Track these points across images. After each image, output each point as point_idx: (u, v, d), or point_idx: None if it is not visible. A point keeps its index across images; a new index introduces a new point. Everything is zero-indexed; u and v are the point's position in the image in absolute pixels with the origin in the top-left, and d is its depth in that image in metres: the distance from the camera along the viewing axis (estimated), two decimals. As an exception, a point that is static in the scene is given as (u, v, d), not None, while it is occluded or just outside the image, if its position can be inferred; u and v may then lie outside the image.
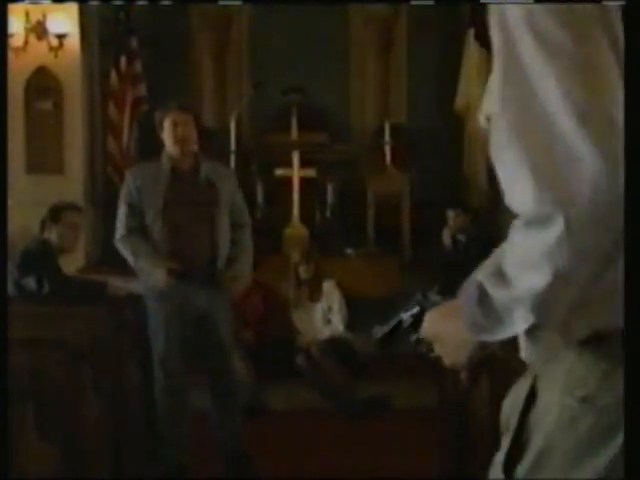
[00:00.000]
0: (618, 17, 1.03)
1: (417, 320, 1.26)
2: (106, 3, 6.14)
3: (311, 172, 6.20)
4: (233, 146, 6.10)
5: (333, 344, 4.88)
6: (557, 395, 1.07)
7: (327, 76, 6.57)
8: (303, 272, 5.16)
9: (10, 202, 3.24)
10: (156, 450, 3.54)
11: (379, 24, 6.65)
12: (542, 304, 1.00)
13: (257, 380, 4.66)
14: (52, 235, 3.79)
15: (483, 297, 1.05)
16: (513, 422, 1.12)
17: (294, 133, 6.17)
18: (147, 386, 3.53)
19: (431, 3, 6.13)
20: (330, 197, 6.37)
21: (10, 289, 3.57)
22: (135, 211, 3.41)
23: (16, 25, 5.80)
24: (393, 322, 1.32)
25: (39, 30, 5.88)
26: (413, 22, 6.69)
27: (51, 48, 5.89)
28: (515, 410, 1.13)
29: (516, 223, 1.03)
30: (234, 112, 6.15)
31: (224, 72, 6.70)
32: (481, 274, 1.09)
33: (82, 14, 6.03)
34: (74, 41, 5.97)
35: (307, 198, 6.20)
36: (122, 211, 3.44)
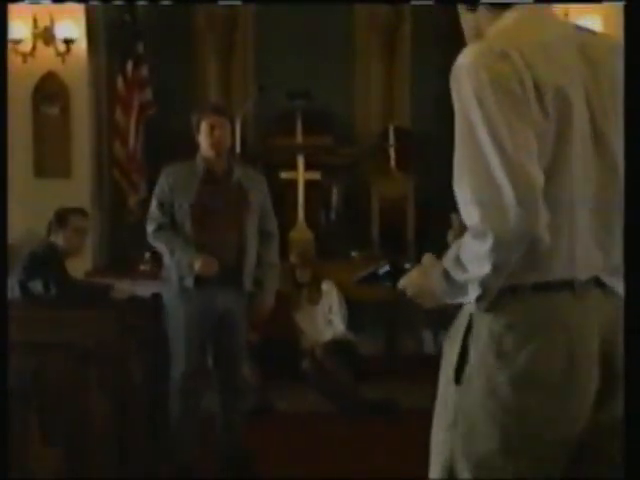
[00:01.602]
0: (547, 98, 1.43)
1: (391, 274, 1.73)
2: (109, 3, 6.15)
3: (316, 175, 6.21)
4: (238, 149, 6.13)
5: (336, 346, 4.91)
6: (487, 324, 1.52)
7: (332, 79, 6.57)
8: (300, 275, 5.18)
9: (17, 206, 3.29)
10: (161, 452, 3.57)
11: (383, 28, 6.62)
12: (484, 284, 1.46)
13: (263, 382, 4.70)
14: (58, 239, 3.84)
15: (447, 276, 1.51)
16: (457, 345, 1.55)
17: (299, 136, 6.17)
18: (154, 388, 3.57)
19: (431, 3, 6.13)
20: (335, 200, 6.38)
21: (16, 292, 3.62)
22: (166, 208, 3.47)
23: (24, 31, 5.85)
24: (369, 272, 1.79)
25: (46, 36, 5.91)
26: (417, 26, 6.68)
27: (58, 53, 5.92)
28: (458, 336, 1.56)
29: (468, 231, 1.46)
30: (239, 115, 6.18)
31: (229, 75, 6.69)
32: (445, 260, 1.52)
33: (89, 19, 6.06)
34: (81, 46, 6.00)
35: (312, 201, 6.21)
36: (154, 207, 3.51)
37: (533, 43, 1.47)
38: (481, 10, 1.57)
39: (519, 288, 1.49)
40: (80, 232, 3.91)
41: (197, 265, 3.39)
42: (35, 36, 5.92)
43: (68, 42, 5.88)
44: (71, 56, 5.93)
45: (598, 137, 1.51)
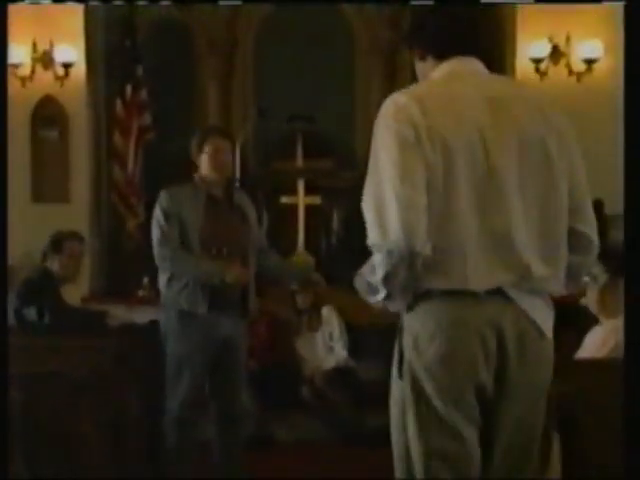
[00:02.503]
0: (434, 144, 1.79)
1: None
2: (110, 29, 6.18)
3: (316, 199, 6.17)
4: (238, 173, 6.08)
5: (337, 374, 4.82)
6: (409, 324, 1.87)
7: (332, 103, 6.55)
8: (301, 302, 5.11)
9: (14, 231, 3.23)
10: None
11: (384, 50, 6.59)
12: (384, 286, 1.80)
13: (262, 410, 4.61)
14: (54, 264, 3.77)
15: (365, 280, 1.86)
16: (397, 349, 1.89)
17: (299, 160, 6.15)
18: (150, 418, 3.49)
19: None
20: (335, 225, 6.33)
21: (11, 319, 3.54)
22: (175, 230, 3.37)
23: (23, 55, 5.84)
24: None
25: (46, 60, 5.90)
26: None
27: (57, 77, 5.91)
28: (397, 341, 1.90)
29: (371, 247, 1.81)
30: (239, 139, 6.13)
31: (229, 99, 6.67)
32: (365, 267, 1.87)
33: (88, 43, 6.05)
34: (80, 70, 5.98)
35: (312, 226, 6.17)
36: (165, 229, 3.37)
37: (440, 95, 1.85)
38: (429, 60, 1.95)
39: (431, 294, 1.82)
40: (76, 257, 3.83)
41: (230, 275, 3.29)
42: (34, 60, 5.92)
43: (67, 66, 5.88)
44: (70, 80, 5.93)
45: (492, 175, 1.78)
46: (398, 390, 1.87)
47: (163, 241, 3.39)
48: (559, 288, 1.87)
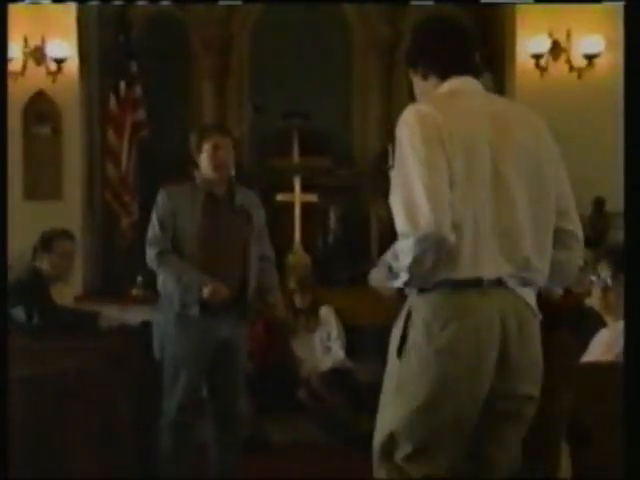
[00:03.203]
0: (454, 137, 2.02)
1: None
2: (105, 23, 6.13)
3: (313, 197, 6.09)
4: (233, 171, 5.99)
5: (335, 375, 4.74)
6: (420, 313, 2.04)
7: (329, 99, 6.49)
8: (299, 301, 5.03)
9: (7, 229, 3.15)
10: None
11: (382, 47, 6.54)
12: (410, 271, 1.97)
13: (257, 412, 4.52)
14: (43, 264, 3.67)
15: (388, 266, 2.04)
16: (399, 329, 2.06)
17: (295, 157, 6.07)
18: (144, 421, 3.40)
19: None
20: (333, 223, 6.27)
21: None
22: (168, 231, 3.28)
23: (14, 50, 5.74)
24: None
25: (37, 55, 5.83)
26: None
27: (49, 73, 5.83)
28: (400, 323, 2.08)
29: (398, 232, 1.98)
30: (234, 135, 6.04)
31: (224, 95, 6.58)
32: (387, 255, 2.05)
33: (81, 38, 5.97)
34: (73, 66, 5.91)
35: (309, 224, 6.09)
36: (157, 229, 3.30)
37: (452, 107, 2.07)
38: (431, 79, 2.19)
39: (441, 285, 2.01)
40: (66, 256, 3.73)
41: (206, 291, 3.21)
42: (26, 55, 5.84)
43: (59, 61, 5.81)
44: (62, 76, 5.85)
45: (499, 177, 2.03)
46: (396, 368, 2.07)
47: (152, 242, 3.31)
48: (544, 280, 2.12)
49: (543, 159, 2.10)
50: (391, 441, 2.06)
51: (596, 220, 5.38)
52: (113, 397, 3.10)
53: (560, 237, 2.13)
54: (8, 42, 4.94)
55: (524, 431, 2.13)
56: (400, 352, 2.05)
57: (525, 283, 2.06)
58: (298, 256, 5.94)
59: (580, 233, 2.18)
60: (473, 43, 2.21)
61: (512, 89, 5.92)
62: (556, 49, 5.70)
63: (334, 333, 5.03)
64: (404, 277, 1.99)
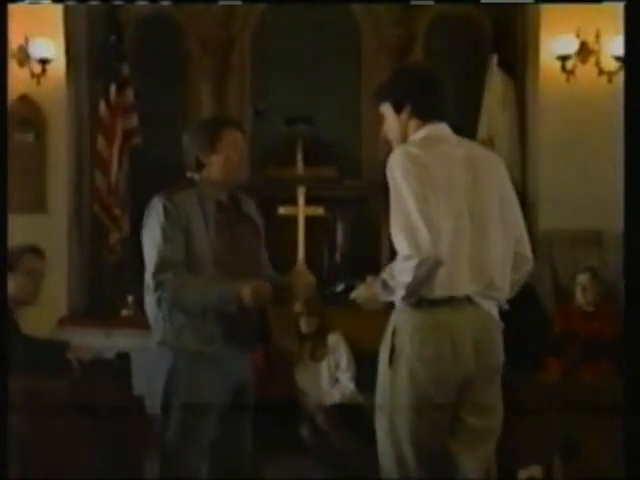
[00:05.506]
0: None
1: (346, 289, 2.65)
2: (95, 22, 5.91)
3: (318, 210, 5.85)
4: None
5: (343, 411, 4.37)
6: (404, 328, 2.43)
7: (336, 105, 6.27)
8: (305, 326, 4.65)
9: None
10: None
11: (393, 51, 6.28)
12: (408, 288, 2.34)
13: (255, 452, 4.10)
14: (8, 285, 3.21)
15: (384, 283, 2.40)
16: (387, 342, 2.44)
17: (299, 167, 5.85)
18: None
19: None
20: (340, 238, 6.09)
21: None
22: (180, 248, 2.73)
23: (-4, 50, 5.47)
24: (330, 290, 2.85)
25: (20, 55, 5.58)
26: (428, 50, 6.36)
27: (33, 75, 5.61)
28: (387, 337, 2.45)
29: (399, 255, 2.34)
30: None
31: (224, 101, 6.31)
32: (384, 274, 2.40)
33: (68, 37, 5.72)
34: (59, 67, 5.68)
35: (314, 239, 5.85)
36: (163, 248, 2.73)
37: (434, 151, 2.42)
38: (403, 115, 2.51)
39: (422, 303, 2.37)
40: (34, 275, 3.27)
41: (247, 293, 2.66)
42: (8, 56, 5.51)
43: (44, 62, 5.60)
44: (48, 78, 5.65)
45: (472, 213, 2.41)
46: (388, 376, 2.42)
47: (162, 266, 2.73)
48: (504, 298, 2.51)
49: (505, 194, 2.53)
50: None
51: None
52: (79, 459, 2.58)
53: (516, 260, 2.53)
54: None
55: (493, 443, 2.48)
56: (391, 361, 2.40)
57: (489, 299, 2.45)
58: (301, 274, 5.51)
59: (530, 255, 2.58)
60: (450, 92, 2.61)
61: (535, 95, 5.66)
62: (584, 50, 5.48)
63: (343, 363, 4.64)
64: (401, 293, 2.34)
